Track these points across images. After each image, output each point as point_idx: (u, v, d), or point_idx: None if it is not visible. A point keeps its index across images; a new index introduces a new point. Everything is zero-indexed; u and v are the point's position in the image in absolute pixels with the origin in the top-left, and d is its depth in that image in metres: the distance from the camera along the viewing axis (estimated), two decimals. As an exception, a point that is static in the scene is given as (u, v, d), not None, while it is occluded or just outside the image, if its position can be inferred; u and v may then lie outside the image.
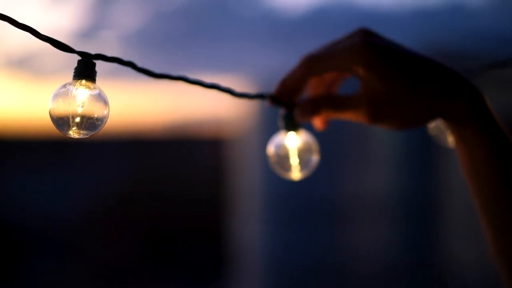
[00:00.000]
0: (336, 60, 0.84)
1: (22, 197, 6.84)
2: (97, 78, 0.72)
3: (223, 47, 6.28)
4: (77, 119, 0.69)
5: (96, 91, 0.71)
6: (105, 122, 0.71)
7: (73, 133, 0.70)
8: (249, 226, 4.83)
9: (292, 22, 6.40)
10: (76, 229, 6.60)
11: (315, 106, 0.87)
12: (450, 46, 4.77)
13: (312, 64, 0.86)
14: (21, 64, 6.70)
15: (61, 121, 0.70)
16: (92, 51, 0.73)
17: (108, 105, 0.71)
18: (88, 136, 0.70)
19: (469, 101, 0.81)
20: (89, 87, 0.71)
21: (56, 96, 0.70)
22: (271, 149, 0.91)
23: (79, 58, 0.72)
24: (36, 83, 6.76)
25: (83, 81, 0.71)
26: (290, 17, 6.56)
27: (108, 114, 0.71)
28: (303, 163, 0.90)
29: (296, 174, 0.91)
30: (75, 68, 0.71)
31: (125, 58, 0.76)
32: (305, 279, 4.63)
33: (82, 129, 0.70)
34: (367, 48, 0.82)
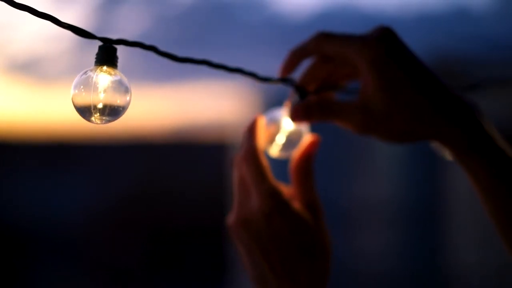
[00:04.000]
0: (345, 46, 0.81)
1: (27, 200, 6.85)
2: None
3: (227, 52, 6.29)
4: (99, 106, 0.68)
5: (117, 77, 0.70)
6: (127, 108, 0.70)
7: (96, 119, 0.69)
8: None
9: (296, 26, 6.41)
10: (81, 231, 6.60)
11: (307, 111, 0.85)
12: (453, 51, 4.77)
13: (323, 40, 0.83)
14: (25, 69, 6.72)
15: (83, 108, 0.68)
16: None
17: (130, 90, 0.70)
18: (110, 122, 0.69)
19: (464, 128, 0.79)
20: (110, 73, 0.70)
21: (78, 83, 0.69)
22: (263, 119, 0.90)
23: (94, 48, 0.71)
24: (40, 87, 6.77)
25: (104, 67, 0.70)
26: (294, 22, 6.57)
27: (130, 100, 0.70)
28: (286, 146, 0.89)
29: (274, 151, 0.90)
30: (96, 54, 0.70)
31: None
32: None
33: (105, 116, 0.69)
34: (377, 43, 0.80)
